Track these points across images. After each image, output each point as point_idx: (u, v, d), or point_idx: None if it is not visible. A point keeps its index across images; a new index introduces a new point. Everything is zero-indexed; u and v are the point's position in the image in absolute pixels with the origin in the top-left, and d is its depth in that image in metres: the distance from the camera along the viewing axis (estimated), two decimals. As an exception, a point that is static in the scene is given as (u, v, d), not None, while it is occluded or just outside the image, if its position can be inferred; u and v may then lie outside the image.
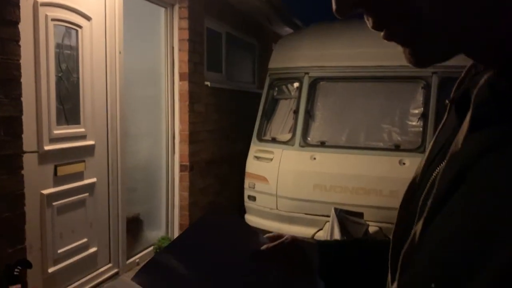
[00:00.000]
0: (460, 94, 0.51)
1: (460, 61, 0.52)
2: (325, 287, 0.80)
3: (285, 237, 0.85)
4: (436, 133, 0.58)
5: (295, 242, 0.84)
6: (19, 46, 2.41)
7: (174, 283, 0.77)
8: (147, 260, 0.79)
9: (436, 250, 0.44)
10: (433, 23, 0.44)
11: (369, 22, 0.47)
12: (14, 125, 2.42)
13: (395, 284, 0.53)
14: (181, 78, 4.25)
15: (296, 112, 4.43)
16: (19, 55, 2.41)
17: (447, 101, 0.55)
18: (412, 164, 3.80)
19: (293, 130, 4.43)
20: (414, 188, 0.58)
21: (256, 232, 0.86)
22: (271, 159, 4.41)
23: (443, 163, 0.49)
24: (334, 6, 0.47)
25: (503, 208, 0.36)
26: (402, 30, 0.46)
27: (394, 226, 0.59)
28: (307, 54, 4.54)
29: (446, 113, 0.57)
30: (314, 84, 4.44)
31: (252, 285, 0.79)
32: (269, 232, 0.89)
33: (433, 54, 0.47)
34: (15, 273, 2.34)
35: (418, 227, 0.49)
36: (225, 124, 5.12)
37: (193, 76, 4.32)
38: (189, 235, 0.83)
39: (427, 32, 0.45)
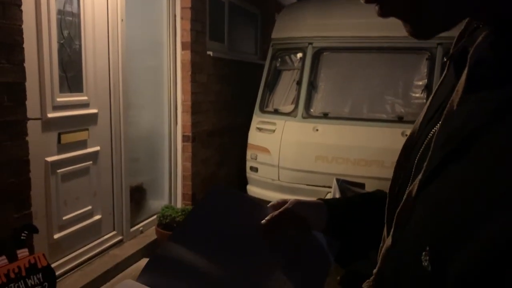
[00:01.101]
0: (459, 50, 0.50)
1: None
2: (336, 243, 0.80)
3: (288, 203, 0.82)
4: (435, 89, 0.57)
5: (299, 205, 0.82)
6: (21, 10, 2.38)
7: (182, 274, 0.74)
8: (149, 257, 0.76)
9: (433, 213, 0.44)
10: None
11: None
12: (17, 91, 2.41)
13: (389, 239, 0.53)
14: (183, 47, 4.20)
15: (299, 83, 4.41)
16: (21, 20, 2.38)
17: (445, 58, 0.55)
18: (414, 136, 3.80)
19: (296, 101, 4.41)
20: (412, 144, 0.58)
21: (260, 204, 0.83)
22: (274, 131, 4.42)
23: (439, 123, 0.48)
24: None
25: (507, 177, 0.36)
26: (394, 6, 0.46)
27: (390, 181, 0.60)
28: (311, 24, 4.48)
29: (446, 70, 0.56)
30: (317, 55, 4.40)
31: (262, 259, 0.77)
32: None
33: (433, 24, 0.46)
34: (22, 237, 2.38)
35: (414, 187, 0.49)
36: (227, 95, 5.10)
37: (195, 45, 4.28)
38: (191, 219, 0.81)
39: (420, 3, 0.44)
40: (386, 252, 0.54)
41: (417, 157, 0.51)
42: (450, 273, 0.39)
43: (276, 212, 0.78)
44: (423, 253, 0.43)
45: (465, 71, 0.45)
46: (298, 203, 0.81)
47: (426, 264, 0.42)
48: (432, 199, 0.45)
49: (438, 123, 0.48)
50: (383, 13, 0.47)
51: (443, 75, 0.56)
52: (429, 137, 0.51)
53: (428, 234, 0.43)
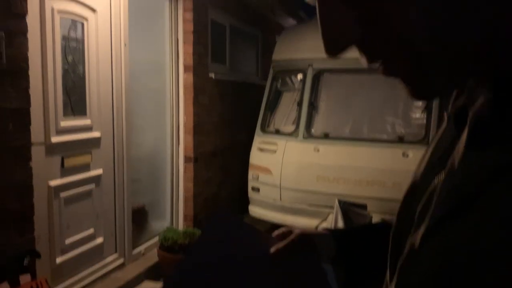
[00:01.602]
0: (460, 107, 0.51)
1: None
2: (343, 274, 0.81)
3: (293, 234, 0.82)
4: (436, 138, 0.58)
5: (304, 237, 0.83)
6: (27, 38, 2.43)
7: None
8: None
9: (437, 266, 0.44)
10: (428, 56, 0.42)
11: (362, 59, 0.46)
12: (22, 117, 2.44)
13: (393, 285, 0.54)
14: (186, 70, 4.26)
15: (299, 103, 4.45)
16: (26, 48, 2.43)
17: (445, 113, 0.55)
18: (415, 156, 3.82)
19: (297, 121, 4.45)
20: (413, 192, 0.58)
21: (264, 233, 0.84)
22: (275, 151, 4.44)
23: (442, 174, 0.49)
24: (324, 47, 0.45)
25: (497, 237, 0.37)
26: (397, 68, 0.45)
27: (393, 227, 0.60)
28: (311, 46, 4.54)
29: (446, 122, 0.56)
30: (317, 76, 4.45)
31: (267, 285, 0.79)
32: (273, 223, 0.89)
33: (433, 87, 0.46)
34: (24, 262, 2.39)
35: (416, 240, 0.49)
36: (229, 115, 5.14)
37: (198, 68, 4.34)
38: (197, 249, 0.82)
39: (423, 66, 0.43)
40: None
41: (419, 208, 0.52)
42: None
43: (283, 243, 0.79)
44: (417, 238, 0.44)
45: (466, 130, 0.46)
46: (304, 235, 0.82)
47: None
48: (433, 253, 0.45)
49: (440, 173, 0.49)
50: (387, 73, 0.46)
51: (443, 127, 0.57)
52: (430, 188, 0.52)
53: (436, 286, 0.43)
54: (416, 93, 0.46)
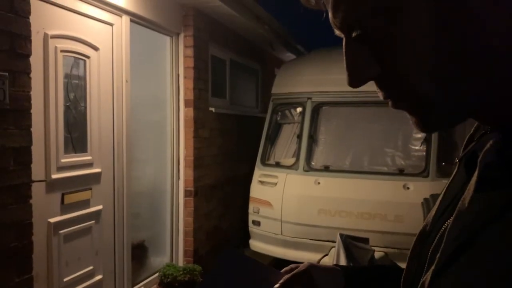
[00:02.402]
0: (469, 153, 0.55)
1: None
2: None
3: (301, 265, 0.86)
4: (446, 185, 0.61)
5: (313, 268, 0.86)
6: (30, 78, 2.47)
7: None
8: None
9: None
10: (431, 100, 0.48)
11: (380, 95, 0.52)
12: (23, 155, 2.45)
13: None
14: (186, 104, 4.31)
15: (299, 136, 4.48)
16: (29, 87, 2.47)
17: (456, 159, 0.60)
18: (416, 188, 3.81)
19: (297, 154, 4.46)
20: (425, 236, 0.60)
21: (272, 269, 0.88)
22: (275, 184, 4.43)
23: (451, 218, 0.52)
24: (348, 80, 0.52)
25: (500, 273, 0.40)
26: (405, 105, 0.51)
27: (404, 271, 0.63)
28: (310, 80, 4.61)
29: (456, 167, 0.60)
30: (317, 109, 4.49)
31: None
32: (274, 257, 0.91)
33: (440, 123, 0.52)
34: (22, 303, 2.35)
35: (427, 278, 0.52)
36: (229, 148, 5.16)
37: (198, 102, 4.39)
38: (207, 285, 0.85)
39: (426, 101, 0.49)
40: None
41: (431, 250, 0.54)
42: None
43: (289, 275, 0.83)
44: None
45: (476, 173, 0.49)
46: (312, 266, 0.86)
47: None
48: (448, 286, 0.48)
49: (450, 217, 0.52)
50: (396, 107, 0.52)
51: (454, 173, 0.61)
52: (441, 230, 0.55)
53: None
54: (423, 124, 0.52)
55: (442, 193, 0.62)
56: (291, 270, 0.86)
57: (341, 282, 0.86)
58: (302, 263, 0.88)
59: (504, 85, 0.46)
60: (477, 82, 0.46)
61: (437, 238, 0.55)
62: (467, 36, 0.44)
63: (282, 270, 0.87)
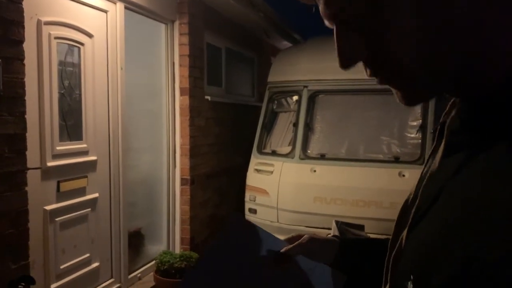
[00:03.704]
0: (441, 124, 0.63)
1: None
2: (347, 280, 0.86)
3: (303, 238, 0.90)
4: (428, 157, 0.68)
5: (312, 240, 0.90)
6: (24, 64, 2.45)
7: None
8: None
9: (416, 248, 0.55)
10: (414, 70, 0.53)
11: (368, 72, 0.58)
12: (18, 142, 2.44)
13: (388, 286, 0.63)
14: (182, 93, 4.29)
15: (295, 125, 4.47)
16: (23, 74, 2.45)
17: (431, 131, 0.68)
18: (411, 176, 3.82)
19: (293, 142, 4.46)
20: (407, 205, 0.67)
21: (276, 238, 0.90)
22: (272, 172, 4.44)
23: (425, 181, 0.60)
24: (339, 62, 0.58)
25: (466, 217, 0.46)
26: (391, 80, 0.57)
27: (390, 238, 0.68)
28: (306, 68, 4.60)
29: (435, 140, 0.66)
30: (313, 97, 4.48)
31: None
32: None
33: (422, 97, 0.58)
34: (18, 289, 2.36)
35: (404, 233, 0.60)
36: (225, 137, 5.16)
37: (194, 90, 4.37)
38: (212, 252, 0.89)
39: (410, 77, 0.54)
40: None
41: (412, 212, 0.60)
42: None
43: (290, 246, 0.87)
44: (409, 282, 0.54)
45: (443, 140, 0.58)
46: (312, 239, 0.90)
47: None
48: (416, 238, 0.56)
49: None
50: (382, 83, 0.58)
51: (433, 145, 0.66)
52: (419, 194, 0.62)
53: (413, 266, 0.54)
54: (404, 99, 0.58)
55: (425, 163, 0.68)
56: (293, 239, 0.90)
57: (334, 251, 0.91)
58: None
59: (469, 58, 0.51)
60: (452, 58, 0.51)
61: (417, 201, 0.61)
62: (441, 18, 0.50)
63: (285, 239, 0.90)
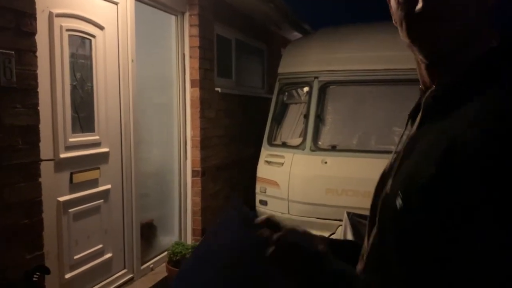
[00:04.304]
0: (415, 107, 0.82)
1: None
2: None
3: (283, 232, 0.90)
4: (401, 135, 0.84)
5: (293, 233, 0.92)
6: (36, 56, 2.46)
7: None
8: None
9: (401, 174, 0.73)
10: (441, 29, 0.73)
11: (396, 18, 0.79)
12: (31, 134, 2.47)
13: (375, 228, 0.78)
14: (192, 84, 4.29)
15: (306, 116, 4.45)
16: (36, 65, 2.47)
17: (408, 114, 0.84)
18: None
19: (304, 134, 4.45)
20: (384, 174, 0.83)
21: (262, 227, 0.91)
22: (282, 164, 4.43)
23: (401, 148, 0.79)
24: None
25: (430, 149, 0.68)
26: (417, 33, 0.75)
27: (371, 204, 0.84)
28: (316, 59, 4.56)
29: (407, 123, 0.83)
30: (323, 88, 4.45)
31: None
32: None
33: (435, 52, 0.75)
34: (34, 279, 2.39)
35: (389, 181, 0.75)
36: (235, 129, 5.15)
37: (204, 82, 4.37)
38: (205, 241, 0.96)
39: (435, 36, 0.73)
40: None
41: (392, 175, 0.77)
42: (414, 205, 0.67)
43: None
44: (398, 198, 0.69)
45: (420, 114, 0.78)
46: (293, 232, 0.92)
47: (400, 202, 0.69)
48: (402, 169, 0.74)
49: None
50: (407, 35, 0.76)
51: (406, 124, 0.84)
52: (397, 163, 0.78)
53: (401, 185, 0.70)
54: (422, 51, 0.75)
55: (398, 142, 0.84)
56: (267, 221, 0.93)
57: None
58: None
59: (461, 42, 0.72)
60: (456, 39, 0.73)
61: (394, 169, 0.77)
62: (461, 18, 0.72)
63: (256, 221, 0.91)
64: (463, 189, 0.60)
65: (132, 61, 3.49)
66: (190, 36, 4.25)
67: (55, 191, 2.82)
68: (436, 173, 0.63)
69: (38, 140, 2.52)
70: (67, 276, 2.93)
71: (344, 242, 1.07)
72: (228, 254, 0.88)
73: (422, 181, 0.65)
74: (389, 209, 0.71)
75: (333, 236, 3.94)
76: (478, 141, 0.61)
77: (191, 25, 4.24)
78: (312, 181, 4.17)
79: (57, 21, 2.79)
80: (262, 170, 4.61)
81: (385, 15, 0.98)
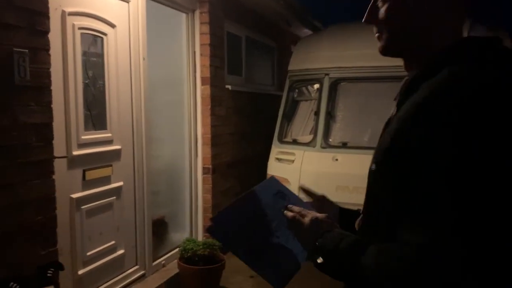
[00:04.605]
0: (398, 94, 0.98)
1: None
2: None
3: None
4: (387, 120, 0.98)
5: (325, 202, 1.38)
6: (49, 55, 2.49)
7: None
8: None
9: (378, 146, 0.91)
10: (402, 33, 0.95)
11: (374, 30, 1.00)
12: (45, 131, 2.49)
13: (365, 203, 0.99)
14: (203, 82, 4.30)
15: (317, 113, 4.44)
16: (49, 64, 2.49)
17: (394, 99, 0.99)
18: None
19: (314, 131, 4.44)
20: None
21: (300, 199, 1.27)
22: (293, 161, 4.43)
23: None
24: (364, 17, 1.00)
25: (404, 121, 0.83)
26: (388, 35, 0.97)
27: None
28: (327, 55, 4.55)
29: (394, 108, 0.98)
30: (334, 85, 4.44)
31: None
32: None
33: (393, 52, 0.99)
34: (48, 274, 2.42)
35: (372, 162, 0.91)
36: (246, 126, 5.16)
37: (214, 80, 4.38)
38: (244, 200, 1.20)
39: (396, 37, 0.96)
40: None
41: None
42: (382, 165, 0.86)
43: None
44: (373, 163, 0.89)
45: (397, 98, 0.96)
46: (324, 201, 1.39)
47: (373, 167, 0.89)
48: (379, 143, 0.92)
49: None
50: (377, 32, 0.99)
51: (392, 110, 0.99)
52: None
53: (374, 154, 0.90)
54: (384, 48, 0.98)
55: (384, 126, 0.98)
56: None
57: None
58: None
59: (426, 39, 0.92)
60: (419, 36, 0.94)
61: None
62: (423, 15, 0.93)
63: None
64: (416, 146, 0.76)
65: (144, 59, 3.50)
66: (201, 33, 4.26)
67: (68, 188, 2.85)
68: (394, 134, 0.82)
69: (52, 138, 2.55)
70: (80, 272, 2.97)
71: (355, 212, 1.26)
72: (259, 212, 1.15)
73: (385, 146, 0.84)
74: (369, 176, 0.90)
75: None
76: (430, 104, 0.78)
77: (201, 23, 4.25)
78: (322, 178, 4.16)
79: (70, 20, 2.81)
80: (273, 167, 4.61)
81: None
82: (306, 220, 1.06)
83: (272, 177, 1.26)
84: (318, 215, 1.07)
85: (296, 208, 1.13)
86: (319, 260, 0.94)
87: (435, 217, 0.73)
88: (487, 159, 0.71)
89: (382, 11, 0.93)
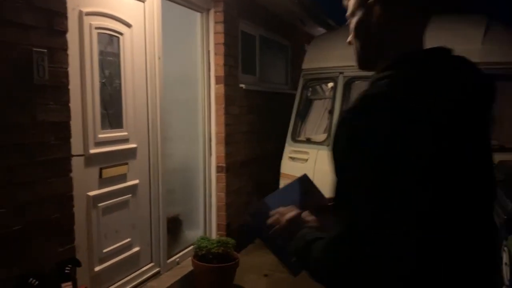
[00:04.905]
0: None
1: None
2: None
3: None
4: None
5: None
6: (67, 54, 2.53)
7: None
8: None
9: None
10: (367, 46, 1.06)
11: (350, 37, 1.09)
12: (63, 130, 2.53)
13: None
14: (217, 81, 4.32)
15: (331, 112, 4.43)
16: (67, 63, 2.53)
17: None
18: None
19: (328, 130, 4.42)
20: None
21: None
22: (306, 160, 4.42)
23: None
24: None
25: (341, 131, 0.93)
26: (359, 48, 1.07)
27: None
28: (341, 54, 4.52)
29: None
30: (348, 84, 4.42)
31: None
32: None
33: (364, 62, 1.08)
34: (66, 271, 2.46)
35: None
36: (259, 125, 5.17)
37: (228, 79, 4.39)
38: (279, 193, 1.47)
39: (366, 49, 1.06)
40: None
41: None
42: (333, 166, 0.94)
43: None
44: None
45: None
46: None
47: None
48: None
49: None
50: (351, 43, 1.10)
51: None
52: None
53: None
54: (360, 62, 1.09)
55: None
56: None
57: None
58: None
59: (384, 50, 1.01)
60: (378, 47, 1.02)
61: None
62: (380, 34, 1.03)
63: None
64: (338, 150, 0.92)
65: (159, 58, 3.53)
66: (215, 33, 4.28)
67: (85, 186, 2.89)
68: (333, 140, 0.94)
69: (69, 136, 2.59)
70: (97, 269, 3.01)
71: None
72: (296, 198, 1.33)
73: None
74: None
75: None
76: (341, 116, 0.93)
77: (216, 22, 4.27)
78: (336, 177, 4.14)
79: (87, 20, 2.85)
80: (286, 166, 4.61)
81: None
82: (282, 223, 1.19)
83: (305, 175, 1.41)
84: (291, 215, 1.18)
85: (281, 210, 1.24)
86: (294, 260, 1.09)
87: (341, 214, 0.89)
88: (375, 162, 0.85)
89: (352, 24, 1.05)
